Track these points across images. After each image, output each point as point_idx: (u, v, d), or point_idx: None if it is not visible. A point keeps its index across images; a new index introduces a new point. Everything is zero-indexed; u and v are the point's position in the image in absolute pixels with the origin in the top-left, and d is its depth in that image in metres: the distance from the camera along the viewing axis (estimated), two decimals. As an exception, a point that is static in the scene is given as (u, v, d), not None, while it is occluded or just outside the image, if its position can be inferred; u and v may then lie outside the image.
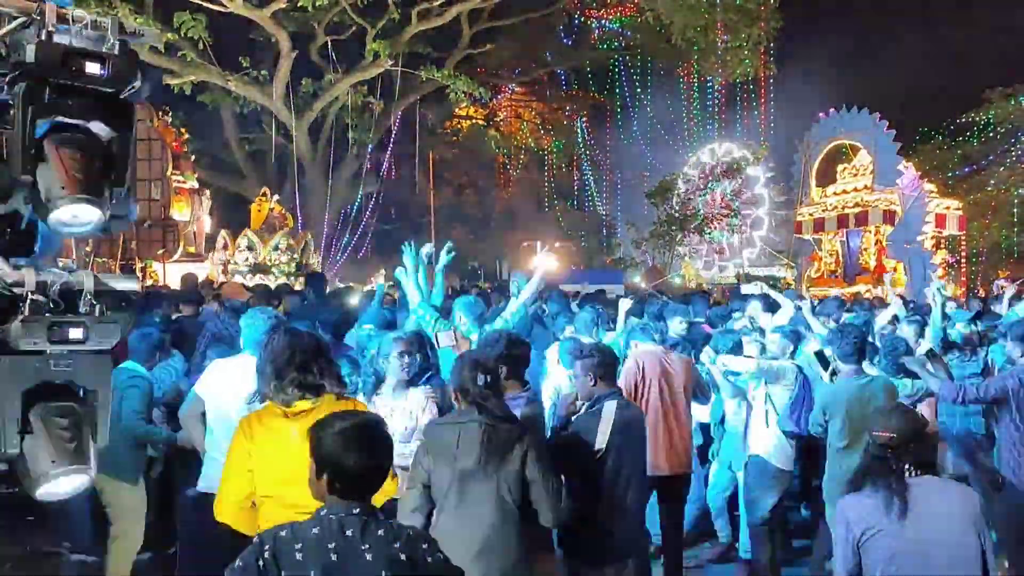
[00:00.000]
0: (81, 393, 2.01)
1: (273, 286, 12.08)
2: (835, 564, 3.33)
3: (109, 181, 2.00)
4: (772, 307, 7.81)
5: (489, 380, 3.45)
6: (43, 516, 2.04)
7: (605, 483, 4.05)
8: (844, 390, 5.06)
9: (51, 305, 1.94)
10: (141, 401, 5.00)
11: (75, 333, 1.94)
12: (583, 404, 4.28)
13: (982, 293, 20.36)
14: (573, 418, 4.29)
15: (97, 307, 1.99)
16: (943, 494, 3.09)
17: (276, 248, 17.06)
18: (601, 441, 4.03)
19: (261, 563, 2.19)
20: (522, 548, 3.45)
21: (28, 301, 1.89)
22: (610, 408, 4.11)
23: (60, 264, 2.17)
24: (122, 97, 2.05)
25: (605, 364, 4.26)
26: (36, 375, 1.93)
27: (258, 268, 16.45)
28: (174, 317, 7.91)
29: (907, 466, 3.08)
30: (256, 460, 3.21)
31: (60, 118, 1.96)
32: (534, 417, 4.12)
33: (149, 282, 16.08)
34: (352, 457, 2.33)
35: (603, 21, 31.44)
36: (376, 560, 2.24)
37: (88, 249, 16.16)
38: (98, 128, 2.02)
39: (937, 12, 31.77)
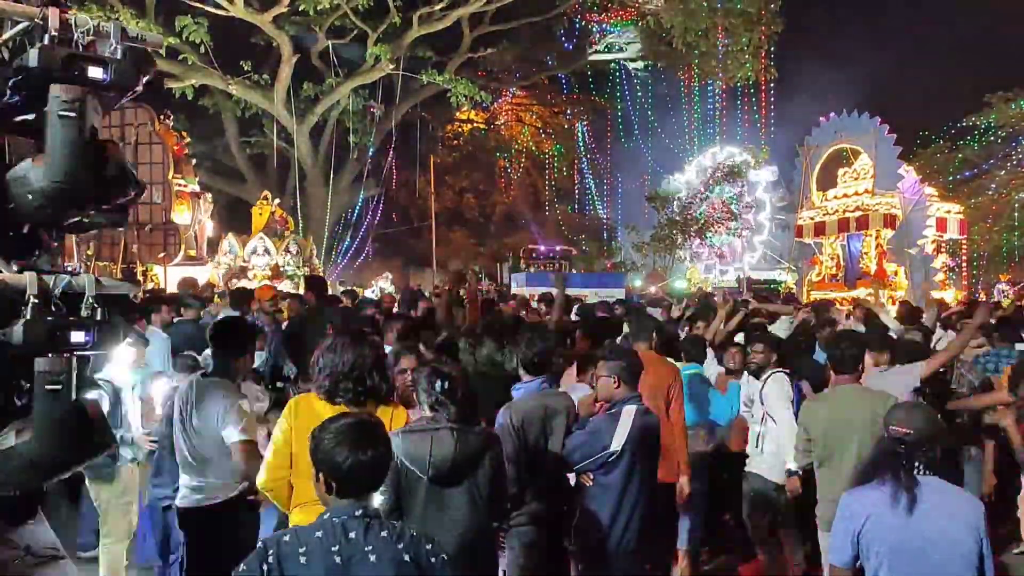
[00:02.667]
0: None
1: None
2: (828, 554, 3.36)
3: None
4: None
5: (447, 386, 3.48)
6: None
7: (617, 485, 4.05)
8: (829, 402, 4.68)
9: (53, 308, 1.94)
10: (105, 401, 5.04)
11: (77, 336, 1.94)
12: (602, 405, 4.29)
13: (983, 297, 20.36)
14: (591, 419, 4.29)
15: (98, 310, 1.99)
16: (947, 497, 3.10)
17: (287, 251, 17.13)
18: (617, 443, 4.03)
19: (265, 567, 2.20)
20: (495, 548, 3.56)
21: (30, 304, 1.90)
22: (629, 412, 4.11)
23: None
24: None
25: (630, 369, 4.26)
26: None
27: (276, 272, 16.49)
28: (175, 321, 7.91)
29: (917, 464, 3.09)
30: (295, 440, 3.37)
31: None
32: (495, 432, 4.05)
33: (150, 285, 16.08)
34: (342, 455, 2.34)
35: (604, 25, 31.44)
36: (380, 562, 2.25)
37: (89, 252, 16.19)
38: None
39: (938, 16, 31.78)
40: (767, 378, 5.53)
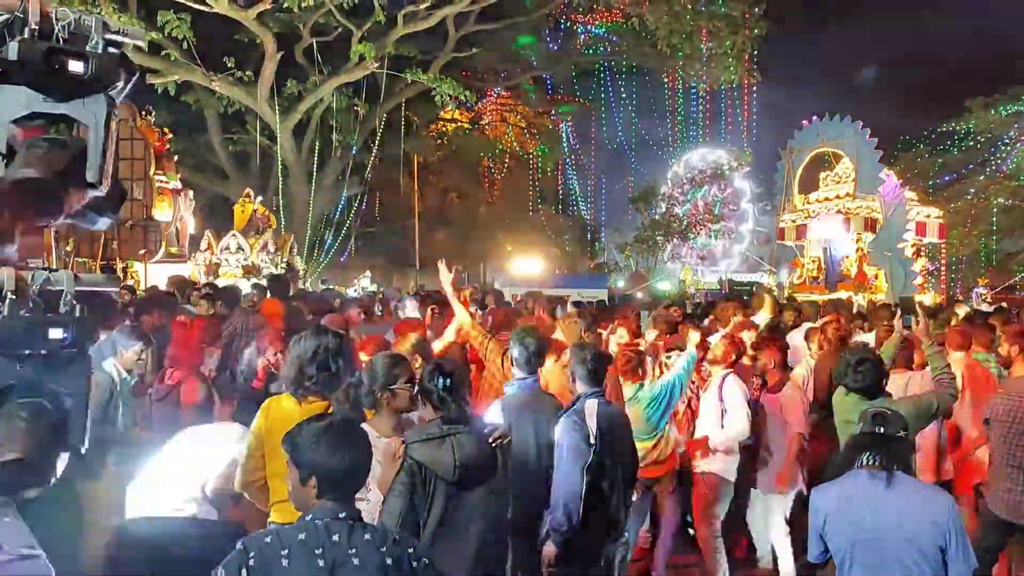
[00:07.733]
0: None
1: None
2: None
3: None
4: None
5: (449, 383, 3.42)
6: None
7: (596, 480, 4.05)
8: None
9: (31, 305, 1.92)
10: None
11: (55, 333, 1.92)
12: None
13: (960, 300, 20.53)
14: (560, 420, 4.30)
15: (77, 307, 1.97)
16: (914, 492, 3.18)
17: (263, 249, 16.94)
18: (592, 438, 4.03)
19: (244, 571, 2.16)
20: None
21: (7, 300, 1.87)
22: (592, 406, 4.11)
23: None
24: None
25: (592, 366, 4.26)
26: (12, 376, 1.91)
27: (250, 270, 16.30)
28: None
29: (892, 459, 3.16)
30: (267, 441, 3.43)
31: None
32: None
33: (130, 283, 15.94)
34: (338, 458, 2.33)
35: (589, 26, 31.51)
36: (364, 565, 2.23)
37: (68, 249, 16.02)
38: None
39: (920, 22, 32.10)
40: (726, 376, 5.59)
